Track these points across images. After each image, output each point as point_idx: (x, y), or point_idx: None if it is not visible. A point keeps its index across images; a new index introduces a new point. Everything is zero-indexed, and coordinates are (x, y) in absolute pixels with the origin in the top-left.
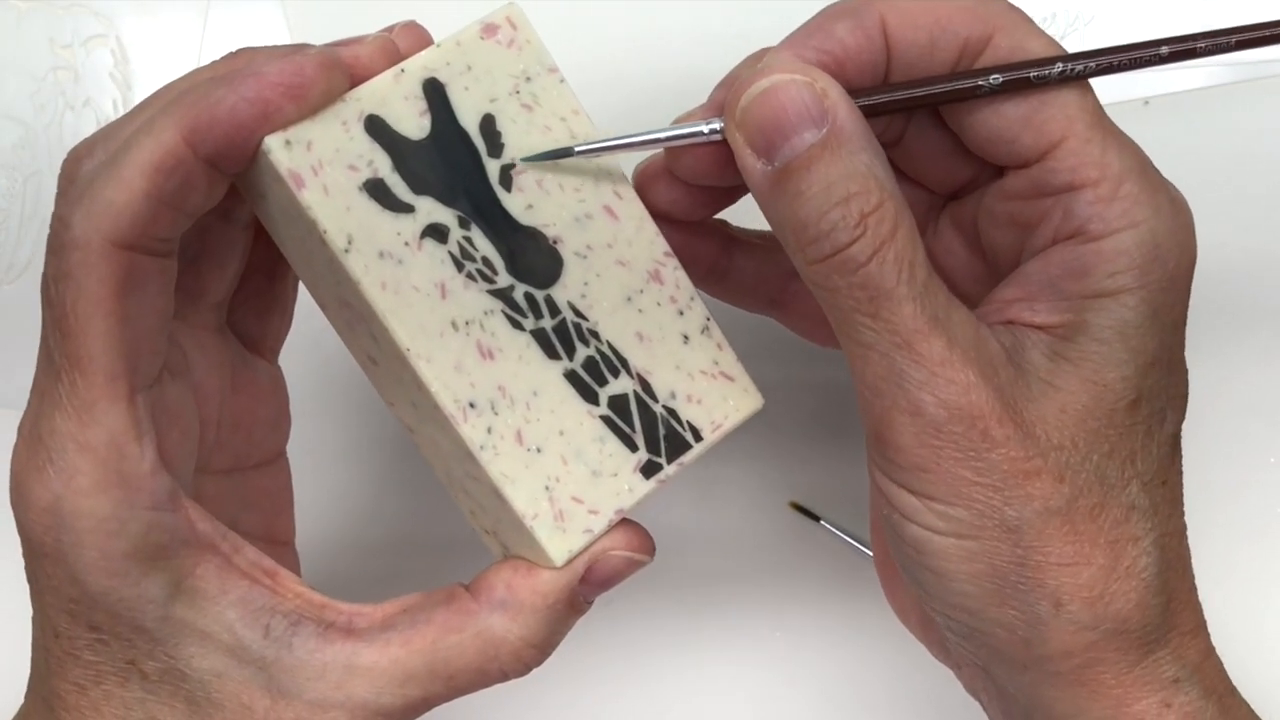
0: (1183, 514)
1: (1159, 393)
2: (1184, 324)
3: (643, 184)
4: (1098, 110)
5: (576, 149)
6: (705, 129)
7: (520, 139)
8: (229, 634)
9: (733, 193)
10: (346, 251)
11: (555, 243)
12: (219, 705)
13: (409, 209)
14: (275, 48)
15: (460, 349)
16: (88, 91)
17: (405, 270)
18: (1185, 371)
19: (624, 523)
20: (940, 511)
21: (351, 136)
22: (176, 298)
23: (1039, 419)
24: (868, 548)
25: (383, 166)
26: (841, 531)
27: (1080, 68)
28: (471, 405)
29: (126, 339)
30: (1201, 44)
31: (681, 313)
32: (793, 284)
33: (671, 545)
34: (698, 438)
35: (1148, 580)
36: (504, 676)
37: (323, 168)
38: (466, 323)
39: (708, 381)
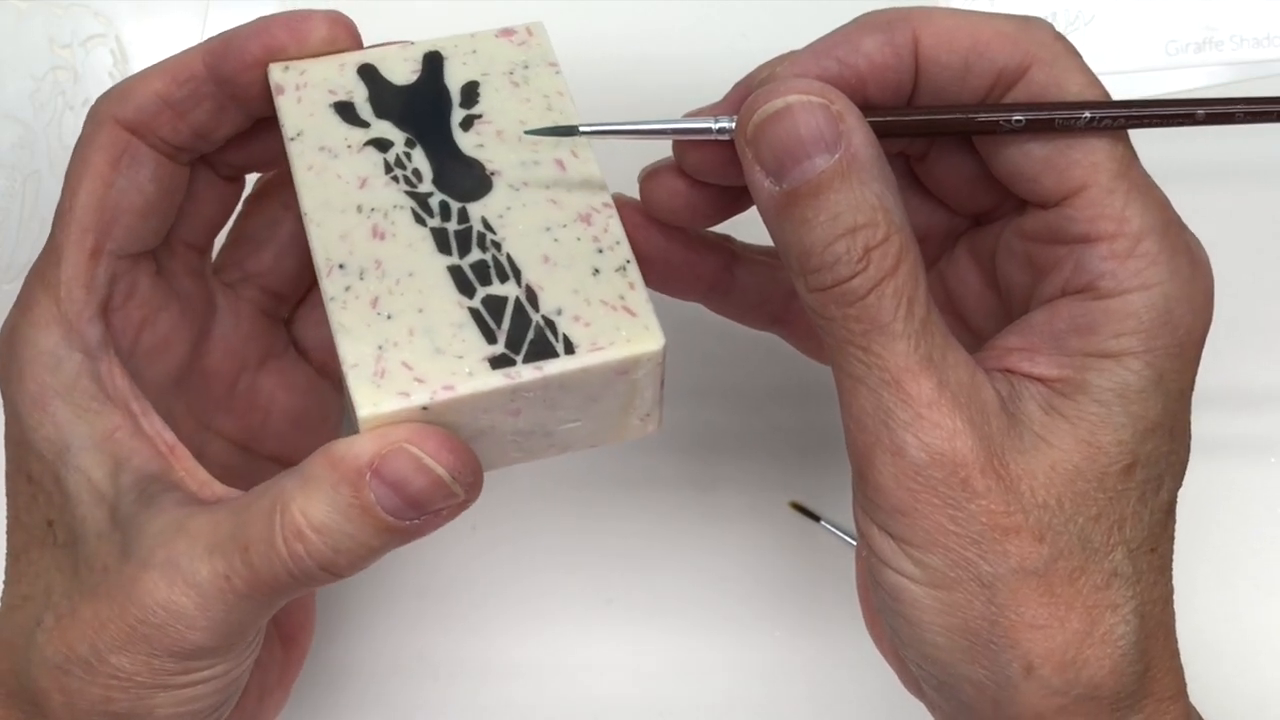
0: (1170, 580)
1: (1157, 459)
2: (1190, 390)
3: (649, 179)
4: (1127, 160)
5: (582, 128)
6: (714, 126)
7: (496, 101)
8: (118, 497)
9: (741, 198)
10: (292, 140)
11: (492, 175)
12: (91, 569)
13: (365, 125)
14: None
15: (354, 225)
16: (87, 91)
17: (337, 162)
18: (1188, 437)
19: (437, 432)
20: (916, 557)
21: (343, 73)
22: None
23: (1026, 474)
24: None
25: (358, 95)
26: (841, 531)
27: (1109, 119)
28: (341, 267)
29: (107, 204)
30: (1239, 109)
31: (600, 251)
32: (796, 302)
33: (672, 545)
34: (569, 351)
35: (1124, 648)
36: (294, 563)
37: (305, 87)
38: (372, 209)
39: (605, 310)
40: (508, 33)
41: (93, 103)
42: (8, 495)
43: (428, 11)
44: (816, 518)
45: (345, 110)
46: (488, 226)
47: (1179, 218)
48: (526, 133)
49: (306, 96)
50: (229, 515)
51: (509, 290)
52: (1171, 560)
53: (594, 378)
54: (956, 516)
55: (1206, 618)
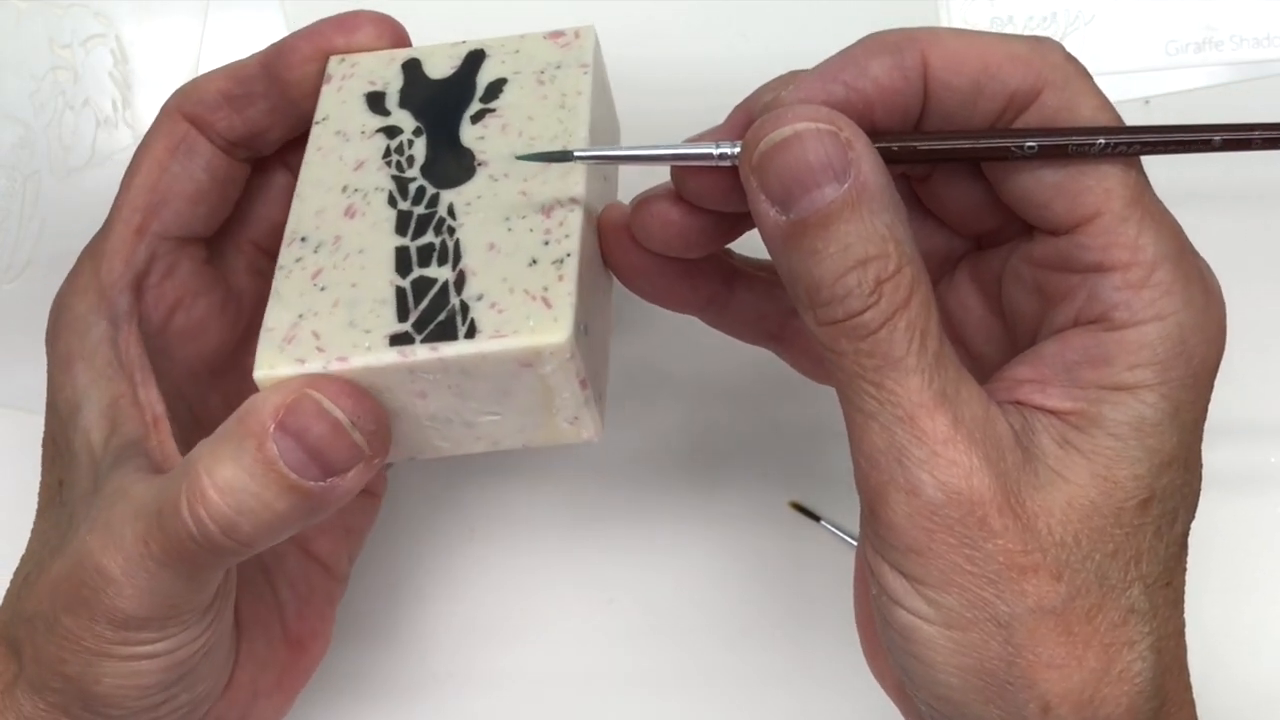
0: (1183, 613)
1: (1173, 492)
2: (1204, 420)
3: (640, 210)
4: (1140, 186)
5: (576, 154)
6: (715, 152)
7: (514, 98)
8: (104, 462)
9: (738, 224)
10: (317, 123)
11: (479, 164)
12: (73, 528)
13: (386, 114)
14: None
15: (333, 203)
16: (87, 91)
17: (346, 146)
18: (1200, 467)
19: (337, 380)
20: (930, 597)
21: (389, 67)
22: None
23: (1043, 511)
24: None
25: (393, 87)
26: (841, 531)
27: (1124, 145)
28: (303, 239)
29: (159, 187)
30: (1257, 135)
31: (547, 243)
32: (794, 320)
33: (672, 545)
34: (470, 335)
35: (1140, 685)
36: (196, 527)
37: (350, 78)
38: (356, 189)
39: (524, 300)
40: (556, 35)
41: (95, 102)
42: (41, 457)
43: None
44: (816, 518)
45: (375, 100)
46: (451, 213)
47: (1191, 244)
48: (518, 157)
49: (347, 86)
50: (160, 481)
51: (442, 273)
52: (1184, 593)
53: (494, 367)
54: (973, 556)
55: (1207, 621)
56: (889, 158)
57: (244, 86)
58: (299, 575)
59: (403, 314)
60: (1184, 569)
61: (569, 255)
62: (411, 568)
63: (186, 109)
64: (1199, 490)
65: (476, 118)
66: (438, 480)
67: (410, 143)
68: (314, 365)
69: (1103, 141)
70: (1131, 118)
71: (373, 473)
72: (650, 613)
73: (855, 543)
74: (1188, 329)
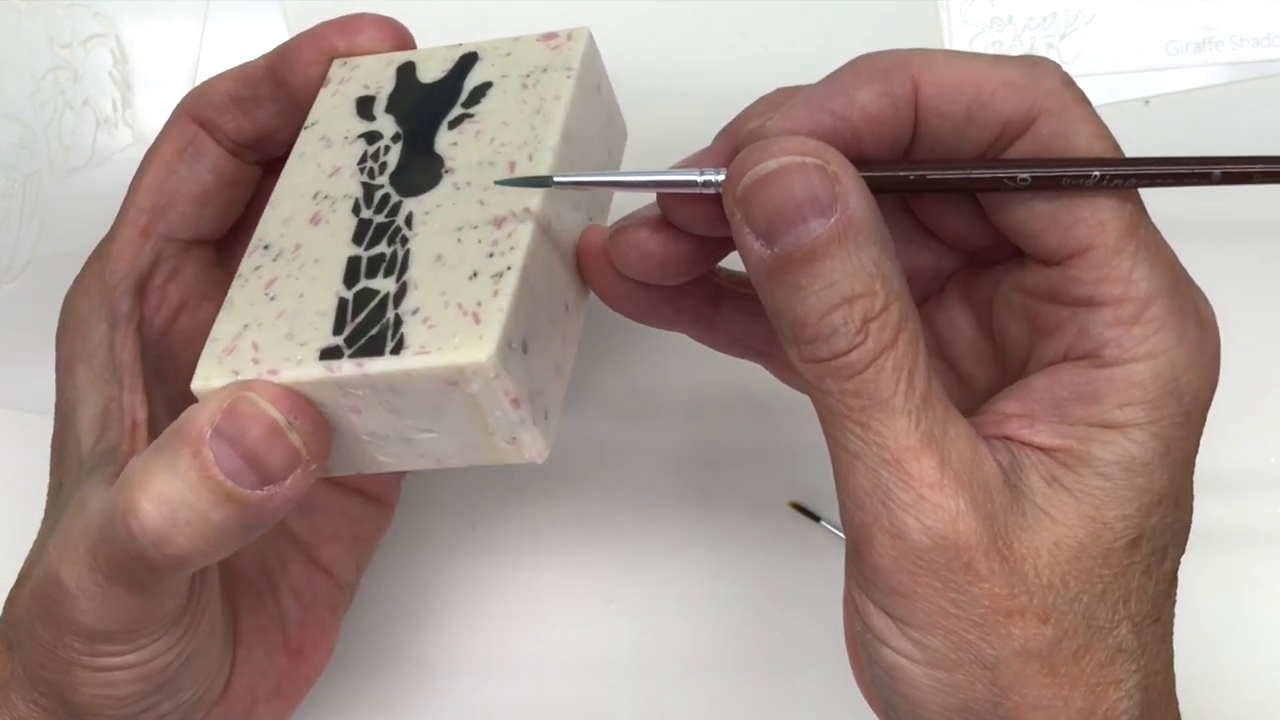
0: (1171, 645)
1: (1162, 530)
2: (1195, 455)
3: (617, 239)
4: (1136, 217)
5: (555, 179)
6: (699, 179)
7: (495, 103)
8: (85, 469)
9: (720, 248)
10: (306, 128)
11: (446, 172)
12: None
13: (371, 118)
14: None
15: (302, 210)
16: (87, 91)
17: (327, 152)
18: (1191, 501)
19: (273, 384)
20: (915, 638)
21: (385, 70)
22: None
23: (1030, 552)
24: None
25: (383, 91)
26: (841, 532)
27: (1120, 178)
28: (266, 247)
29: (166, 189)
30: (1258, 168)
31: (491, 255)
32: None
33: (672, 545)
34: (396, 351)
35: None
36: (128, 540)
37: (347, 81)
38: (326, 197)
39: (456, 315)
40: (549, 37)
41: (95, 102)
42: (50, 455)
43: (431, 11)
44: (816, 518)
45: (364, 104)
46: (409, 223)
47: (1187, 275)
48: (497, 182)
49: (342, 90)
50: (101, 495)
51: (386, 285)
52: (1173, 626)
53: (420, 384)
54: (959, 600)
55: (1206, 620)
56: (877, 187)
57: (251, 89)
58: (303, 583)
59: (339, 327)
60: (1173, 603)
61: (509, 269)
62: (411, 567)
63: (195, 111)
64: (1189, 525)
65: (454, 123)
66: (439, 479)
67: (386, 149)
68: (247, 377)
69: (1098, 174)
70: (1131, 118)
71: (310, 481)
72: (650, 613)
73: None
74: (1180, 366)
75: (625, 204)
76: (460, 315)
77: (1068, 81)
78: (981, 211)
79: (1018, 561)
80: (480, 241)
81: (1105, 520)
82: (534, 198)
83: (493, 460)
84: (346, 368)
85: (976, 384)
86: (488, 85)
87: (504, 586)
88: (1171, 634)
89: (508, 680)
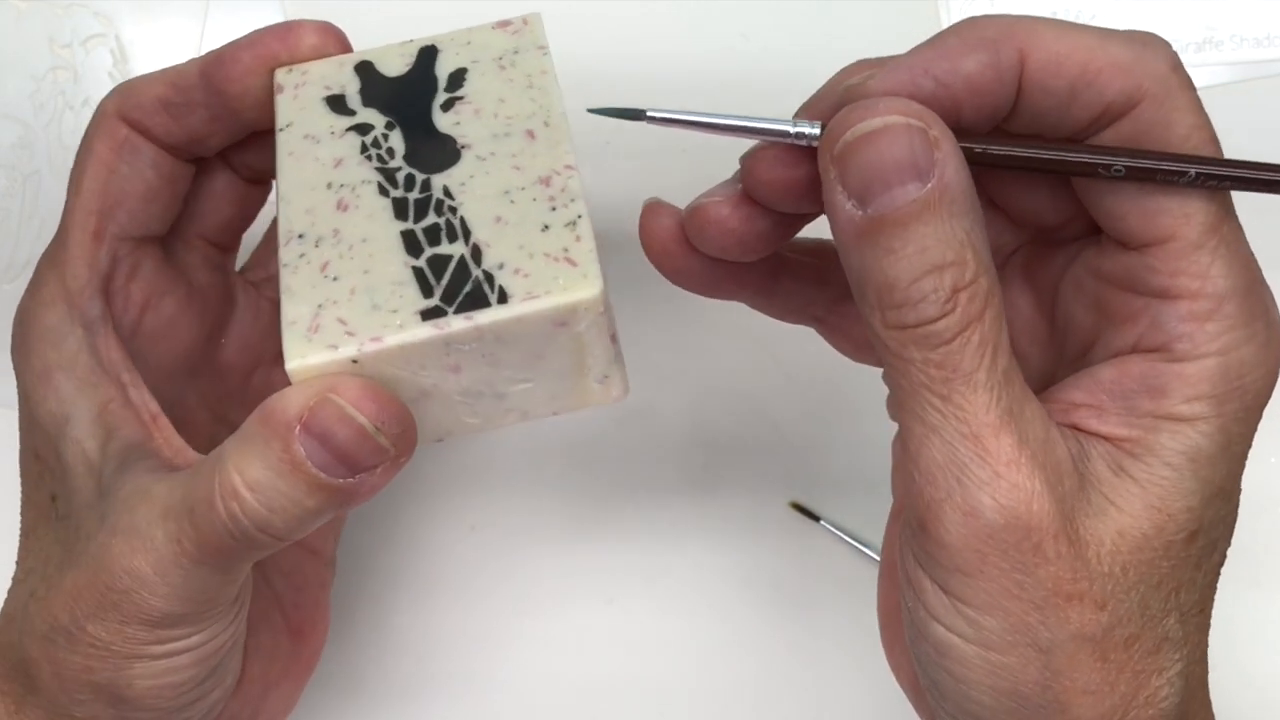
0: (1208, 637)
1: (1217, 523)
2: (1248, 454)
3: (702, 210)
4: (1222, 213)
5: (649, 113)
6: (792, 130)
7: (480, 84)
8: (104, 466)
9: (800, 222)
10: (281, 130)
11: (463, 148)
12: (78, 539)
13: (351, 113)
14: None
15: (321, 200)
16: (87, 91)
17: (318, 148)
18: (1239, 498)
19: (360, 382)
20: (971, 618)
21: (340, 71)
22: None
23: (1094, 539)
24: (868, 548)
25: (350, 88)
26: (841, 531)
27: (1214, 179)
28: (300, 236)
29: (110, 189)
30: None
31: (554, 209)
32: (840, 306)
33: (672, 545)
34: (503, 301)
35: (1166, 710)
36: (231, 523)
37: (303, 85)
38: (341, 185)
39: (546, 262)
40: (504, 24)
41: (95, 102)
42: (20, 475)
43: (429, 12)
44: (816, 518)
45: (335, 102)
46: (448, 194)
47: (1262, 276)
48: (589, 110)
49: (302, 94)
50: (184, 479)
51: (456, 249)
52: (1211, 616)
53: (530, 328)
54: (1023, 582)
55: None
56: (971, 160)
57: (183, 95)
58: (292, 565)
59: (426, 291)
60: (1214, 594)
61: (580, 217)
62: (410, 566)
63: (124, 113)
64: (1236, 520)
65: (447, 106)
66: (437, 478)
67: (385, 136)
68: (347, 349)
69: (1194, 172)
70: None
71: (400, 469)
72: (650, 613)
73: (855, 543)
74: (1247, 365)
75: (608, 195)
76: (553, 262)
77: (1176, 65)
78: (1056, 190)
79: (1083, 547)
80: (535, 200)
81: (1170, 512)
82: (569, 155)
83: (579, 404)
84: (456, 323)
85: (1030, 364)
86: (463, 71)
87: (502, 586)
88: (1209, 623)
89: (508, 681)
